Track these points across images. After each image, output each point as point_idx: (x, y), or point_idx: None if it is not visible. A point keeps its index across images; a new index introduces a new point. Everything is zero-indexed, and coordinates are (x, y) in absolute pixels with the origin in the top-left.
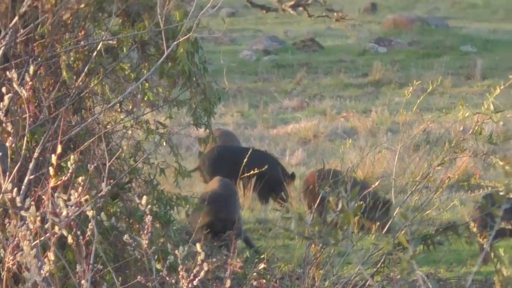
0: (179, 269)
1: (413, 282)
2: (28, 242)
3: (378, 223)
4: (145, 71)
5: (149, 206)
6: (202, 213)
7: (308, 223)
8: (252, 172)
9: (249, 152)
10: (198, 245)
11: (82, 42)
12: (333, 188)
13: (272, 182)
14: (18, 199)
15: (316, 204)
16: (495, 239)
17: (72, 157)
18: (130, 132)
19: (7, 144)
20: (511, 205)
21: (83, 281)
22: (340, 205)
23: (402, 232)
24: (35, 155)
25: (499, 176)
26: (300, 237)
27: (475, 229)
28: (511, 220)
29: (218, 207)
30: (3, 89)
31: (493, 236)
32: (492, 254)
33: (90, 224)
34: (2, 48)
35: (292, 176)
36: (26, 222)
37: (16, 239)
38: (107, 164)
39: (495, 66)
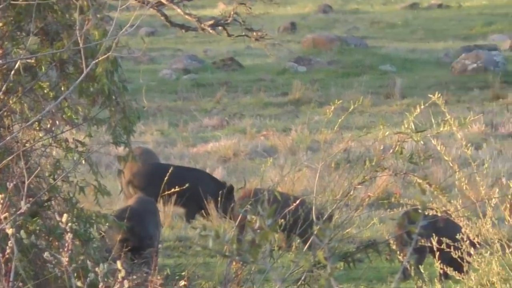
0: (100, 286)
1: None
2: None
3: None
4: (64, 90)
5: (69, 224)
6: (117, 230)
7: (226, 241)
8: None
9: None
10: (118, 263)
11: (0, 61)
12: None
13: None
14: None
15: (237, 222)
16: (419, 257)
17: None
18: (49, 150)
19: None
20: (428, 223)
21: None
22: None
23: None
24: None
25: (417, 193)
26: (218, 255)
27: (395, 247)
28: (430, 237)
29: (134, 224)
30: None
31: (415, 253)
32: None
33: (9, 241)
34: None
35: (229, 187)
36: None
37: None
38: (26, 182)
39: (414, 85)
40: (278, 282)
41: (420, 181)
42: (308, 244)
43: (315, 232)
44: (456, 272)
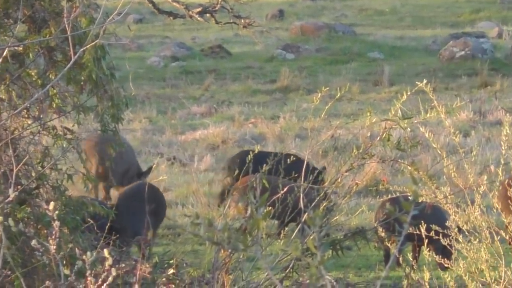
0: (87, 274)
1: (322, 287)
2: None
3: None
4: (52, 77)
5: (56, 212)
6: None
7: (218, 228)
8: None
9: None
10: (105, 251)
11: None
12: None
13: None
14: None
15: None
16: (403, 244)
17: None
18: (37, 138)
19: None
20: (418, 212)
21: None
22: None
23: (311, 237)
24: None
25: (407, 181)
26: (210, 242)
27: (383, 234)
28: (417, 225)
29: (117, 218)
30: None
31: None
32: (401, 258)
33: None
34: None
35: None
36: None
37: None
38: (14, 170)
39: (402, 72)
40: (267, 270)
41: (409, 167)
42: (296, 231)
43: (304, 220)
44: (445, 259)
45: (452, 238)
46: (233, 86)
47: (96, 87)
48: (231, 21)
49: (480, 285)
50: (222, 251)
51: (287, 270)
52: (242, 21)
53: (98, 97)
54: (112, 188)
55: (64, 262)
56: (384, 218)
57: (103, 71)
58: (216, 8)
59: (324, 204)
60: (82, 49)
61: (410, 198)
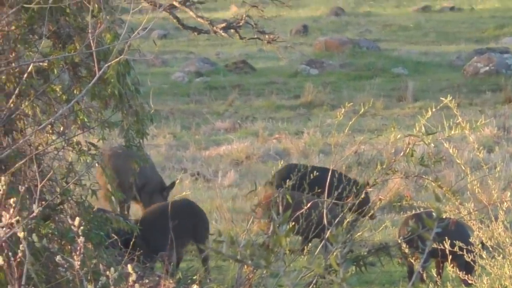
0: None
1: None
2: None
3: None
4: (76, 93)
5: (81, 228)
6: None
7: (240, 245)
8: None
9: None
10: (129, 266)
11: (13, 64)
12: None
13: None
14: None
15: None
16: (427, 260)
17: (3, 178)
18: (61, 153)
19: None
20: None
21: None
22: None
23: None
24: None
25: (431, 197)
26: (232, 260)
27: (406, 250)
28: (441, 241)
29: (140, 234)
30: None
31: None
32: (425, 274)
33: (21, 245)
34: None
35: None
36: None
37: None
38: (39, 186)
39: (426, 88)
40: (290, 287)
41: (432, 183)
42: (320, 247)
43: (327, 236)
44: (468, 276)
45: (476, 254)
46: (257, 101)
47: (120, 103)
48: (255, 36)
49: None
50: (245, 267)
51: (310, 287)
52: (266, 36)
53: (123, 112)
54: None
55: (88, 277)
56: (408, 234)
57: (127, 86)
58: (240, 24)
59: (347, 219)
60: (106, 65)
61: (433, 214)
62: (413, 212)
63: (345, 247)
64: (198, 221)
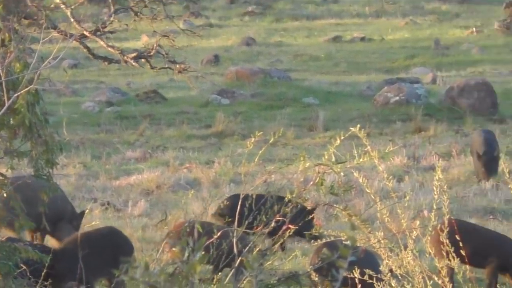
0: None
1: None
2: None
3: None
4: None
5: None
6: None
7: (154, 272)
8: None
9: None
10: None
11: None
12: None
13: None
14: None
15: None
16: None
17: None
18: None
19: None
20: (356, 258)
21: None
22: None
23: (244, 281)
24: None
25: (341, 226)
26: (146, 286)
27: (316, 279)
28: (351, 269)
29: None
30: None
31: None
32: None
33: None
34: None
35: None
36: None
37: None
38: None
39: (337, 118)
40: None
41: (342, 212)
42: (229, 275)
43: (240, 263)
44: None
45: (386, 282)
46: (168, 131)
47: (30, 132)
48: (166, 66)
49: None
50: None
51: None
52: (177, 66)
53: (32, 142)
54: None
55: None
56: (319, 262)
57: (37, 116)
58: (151, 53)
59: (258, 248)
60: (16, 95)
61: (344, 243)
62: (324, 240)
63: (256, 276)
64: (121, 249)
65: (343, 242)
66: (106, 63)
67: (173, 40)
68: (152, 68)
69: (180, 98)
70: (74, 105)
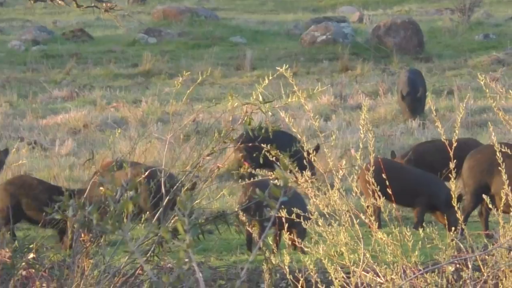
0: None
1: (187, 271)
2: None
3: None
4: None
5: None
6: None
7: (88, 211)
8: None
9: None
10: None
11: None
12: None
13: None
14: None
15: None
16: (269, 228)
17: None
18: None
19: None
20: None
21: None
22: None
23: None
24: None
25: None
26: (79, 224)
27: (244, 218)
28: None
29: None
30: None
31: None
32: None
33: None
34: None
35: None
36: None
37: None
38: None
39: (264, 57)
40: (133, 253)
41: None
42: (157, 215)
43: (167, 203)
44: (304, 243)
45: (312, 221)
46: (94, 70)
47: None
48: (93, 4)
49: (339, 267)
50: (83, 235)
51: (148, 254)
52: (104, 4)
53: None
54: None
55: None
56: (247, 202)
57: None
58: None
59: (186, 187)
60: None
61: (271, 183)
62: (252, 180)
63: (190, 215)
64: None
65: (271, 181)
66: (32, 1)
67: None
68: (78, 6)
69: (107, 37)
70: (0, 43)
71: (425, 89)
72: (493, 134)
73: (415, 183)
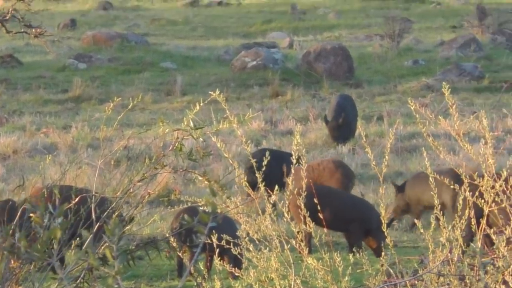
0: None
1: None
2: None
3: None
4: None
5: None
6: None
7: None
8: None
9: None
10: None
11: None
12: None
13: None
14: None
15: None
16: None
17: None
18: None
19: None
20: (216, 224)
21: None
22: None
23: (103, 247)
24: None
25: (199, 191)
26: (7, 252)
27: (175, 244)
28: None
29: None
30: None
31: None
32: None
33: None
34: None
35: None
36: None
37: None
38: None
39: (195, 82)
40: (59, 280)
41: (200, 177)
42: (88, 241)
43: (98, 229)
44: (235, 268)
45: (243, 247)
46: (24, 96)
47: None
48: (22, 30)
49: None
50: (12, 262)
51: (78, 281)
52: (34, 30)
53: None
54: None
55: None
56: (178, 228)
57: None
58: (7, 18)
59: (116, 214)
60: None
61: (203, 208)
62: (182, 206)
63: (118, 242)
64: None
65: (202, 208)
66: None
67: (29, 4)
68: (7, 32)
69: (36, 62)
70: None
71: (356, 115)
72: (426, 159)
73: (346, 207)
